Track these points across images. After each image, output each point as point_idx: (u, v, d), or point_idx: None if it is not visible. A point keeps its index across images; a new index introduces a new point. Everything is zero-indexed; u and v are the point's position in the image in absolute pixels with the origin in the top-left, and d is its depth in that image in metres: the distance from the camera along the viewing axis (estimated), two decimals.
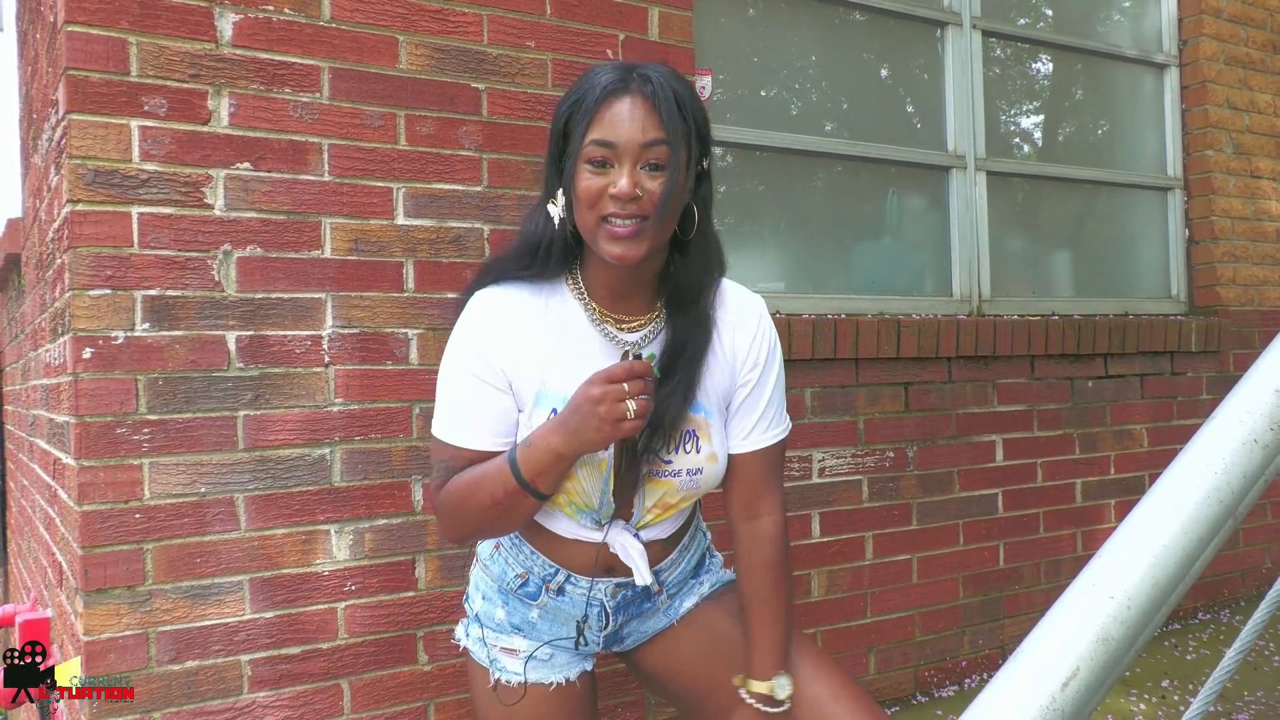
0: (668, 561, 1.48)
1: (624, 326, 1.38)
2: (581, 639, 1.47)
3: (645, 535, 1.42)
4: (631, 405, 1.19)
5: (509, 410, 1.34)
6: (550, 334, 1.35)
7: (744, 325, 1.41)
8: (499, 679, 1.46)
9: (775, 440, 1.44)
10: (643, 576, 1.38)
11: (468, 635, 1.53)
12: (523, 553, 1.45)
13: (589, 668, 1.53)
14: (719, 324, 1.40)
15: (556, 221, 1.32)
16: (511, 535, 1.47)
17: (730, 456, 1.42)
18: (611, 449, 1.33)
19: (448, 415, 1.36)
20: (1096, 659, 0.61)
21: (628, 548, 1.38)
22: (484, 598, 1.51)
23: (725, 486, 1.44)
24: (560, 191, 1.31)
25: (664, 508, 1.41)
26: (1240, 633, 0.77)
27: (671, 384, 1.33)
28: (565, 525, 1.41)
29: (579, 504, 1.37)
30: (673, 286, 1.37)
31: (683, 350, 1.35)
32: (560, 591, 1.45)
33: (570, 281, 1.38)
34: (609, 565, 1.42)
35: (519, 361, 1.33)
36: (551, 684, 1.47)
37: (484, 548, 1.53)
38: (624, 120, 1.24)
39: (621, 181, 1.23)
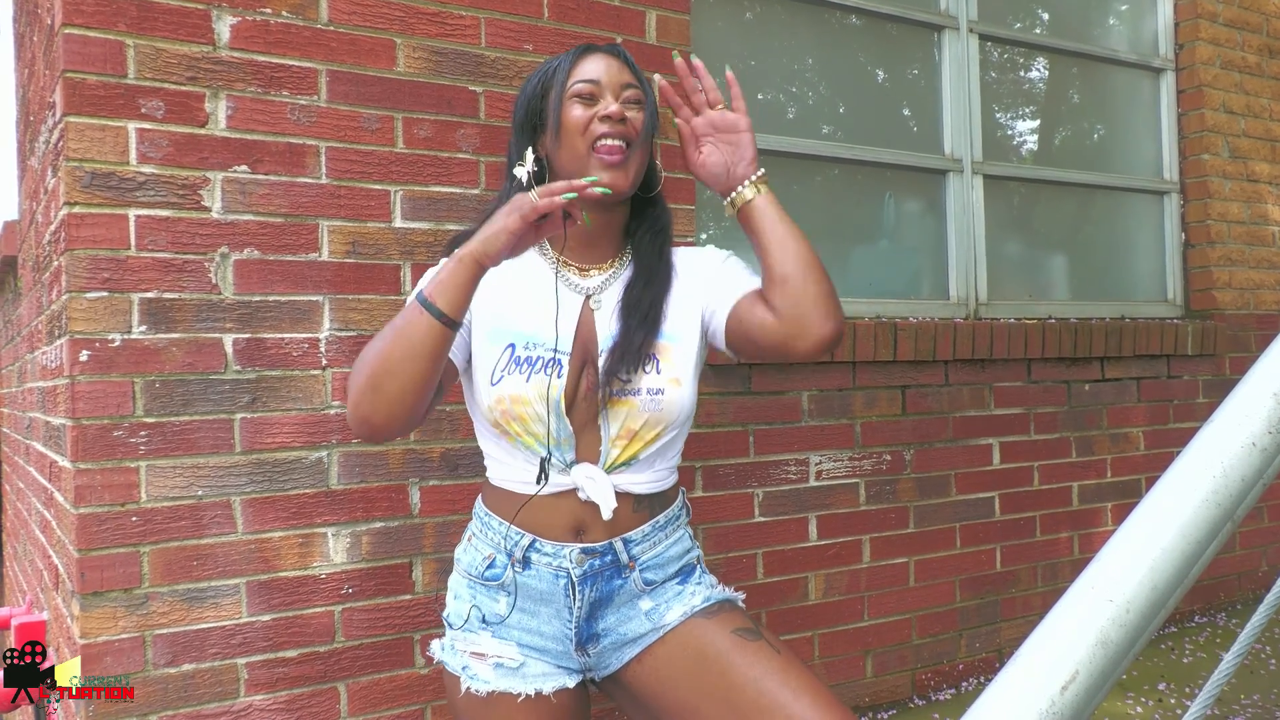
0: (639, 534, 1.43)
1: (586, 273, 1.47)
2: (555, 624, 1.42)
3: (615, 481, 1.40)
4: (534, 194, 1.23)
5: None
6: (512, 278, 1.44)
7: (698, 256, 1.53)
8: (468, 687, 1.40)
9: None
10: (606, 507, 1.37)
11: (442, 647, 1.48)
12: (490, 528, 1.44)
13: (570, 684, 1.42)
14: (677, 269, 1.50)
15: (525, 180, 1.41)
16: (482, 517, 1.46)
17: (747, 300, 1.41)
18: (565, 373, 1.37)
19: None
20: (1095, 662, 0.61)
21: (594, 478, 1.38)
22: (455, 597, 1.48)
23: (752, 319, 1.40)
24: (529, 151, 1.42)
25: (629, 436, 1.40)
26: (1238, 636, 0.77)
27: (633, 312, 1.42)
28: (532, 471, 1.40)
29: (535, 434, 1.37)
30: (639, 236, 1.50)
31: (648, 280, 1.45)
32: (526, 563, 1.40)
33: None
34: (577, 526, 1.40)
35: (479, 297, 1.42)
36: (520, 695, 1.38)
37: (458, 548, 1.51)
38: (603, 66, 1.41)
39: (612, 105, 1.37)
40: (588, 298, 1.45)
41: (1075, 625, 0.62)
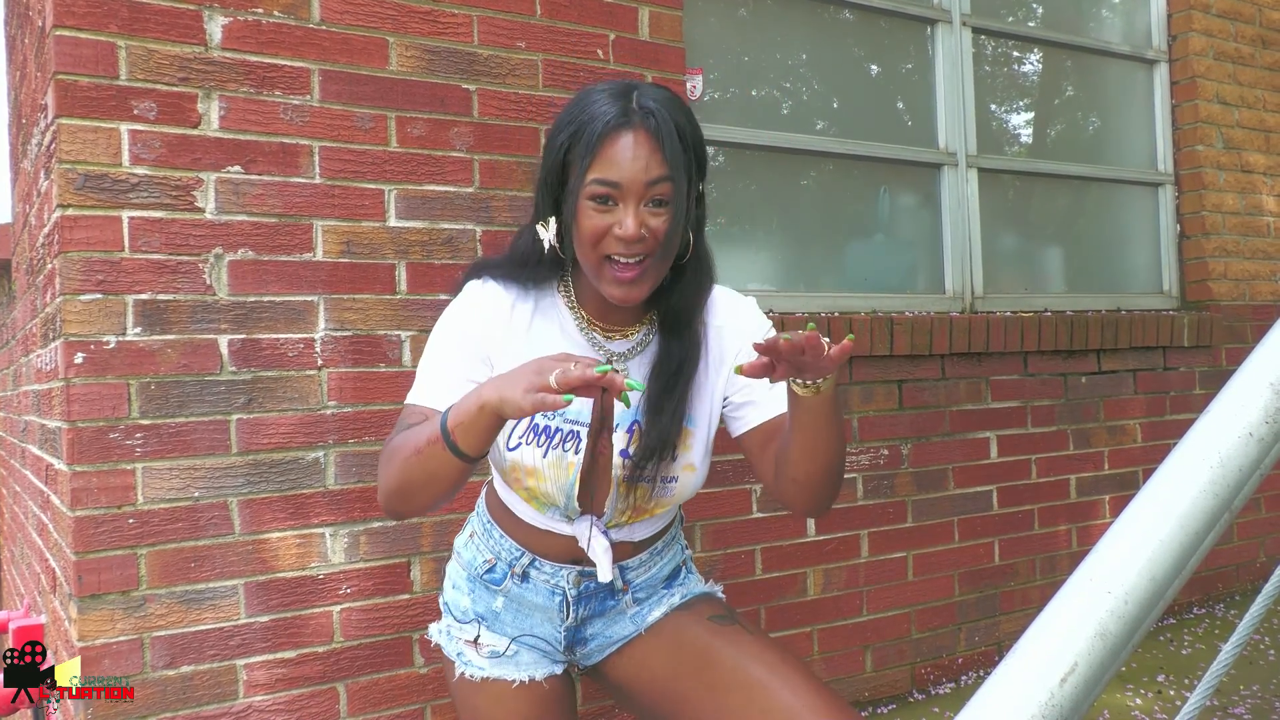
0: (635, 561, 1.47)
1: (612, 336, 1.39)
2: (545, 628, 1.45)
3: (616, 535, 1.41)
4: (554, 380, 1.07)
5: (477, 380, 1.32)
6: (538, 333, 1.36)
7: (734, 323, 1.42)
8: (463, 673, 1.46)
9: None
10: (604, 573, 1.37)
11: (440, 630, 1.53)
12: (493, 538, 1.46)
13: (558, 671, 1.48)
14: (708, 329, 1.41)
15: (546, 247, 1.33)
16: (485, 521, 1.48)
17: (765, 431, 1.37)
18: (582, 448, 1.32)
19: (419, 382, 1.35)
20: (1094, 654, 0.61)
21: (594, 544, 1.38)
22: (454, 586, 1.51)
23: (760, 457, 1.37)
24: (553, 219, 1.32)
25: (637, 511, 1.40)
26: (1236, 627, 0.77)
27: (663, 405, 1.34)
28: (536, 516, 1.42)
29: (544, 503, 1.39)
30: (666, 308, 1.38)
31: (675, 371, 1.35)
32: (525, 578, 1.44)
33: (561, 287, 1.40)
34: (576, 555, 1.42)
35: (503, 350, 1.34)
36: (514, 681, 1.44)
37: (460, 538, 1.54)
38: (628, 159, 1.23)
39: (628, 223, 1.23)
40: (610, 361, 1.37)
41: (1074, 617, 0.62)
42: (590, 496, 1.37)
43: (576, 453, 1.33)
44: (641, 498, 1.38)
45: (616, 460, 1.35)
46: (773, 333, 1.34)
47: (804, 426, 1.21)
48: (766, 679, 1.34)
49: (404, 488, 1.23)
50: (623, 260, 1.25)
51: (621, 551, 1.44)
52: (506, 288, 1.37)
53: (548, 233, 1.32)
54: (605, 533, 1.39)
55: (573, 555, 1.43)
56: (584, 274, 1.36)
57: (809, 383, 1.15)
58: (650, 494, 1.38)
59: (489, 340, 1.34)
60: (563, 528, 1.41)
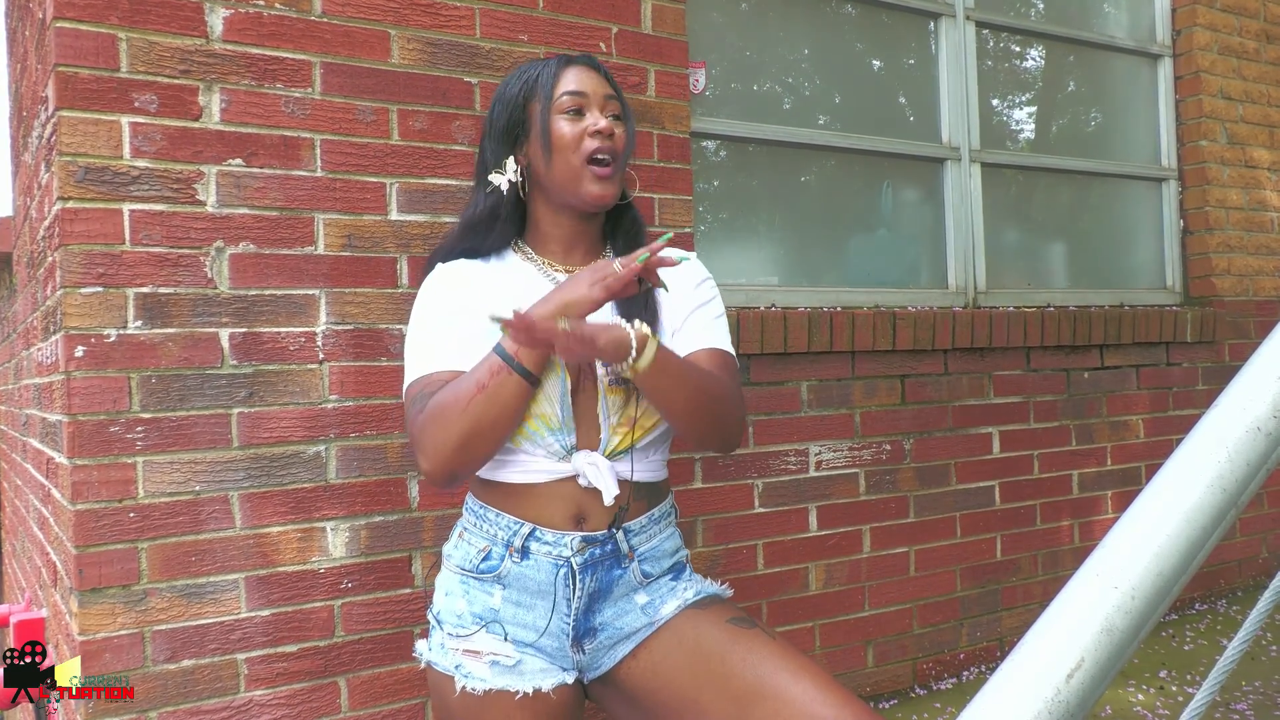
0: (637, 524, 1.44)
1: (571, 274, 1.47)
2: (552, 619, 1.40)
3: (615, 467, 1.41)
4: (618, 265, 1.29)
5: (473, 338, 1.40)
6: (502, 284, 1.47)
7: (681, 266, 1.57)
8: (464, 686, 1.38)
9: (729, 349, 1.51)
10: (609, 490, 1.37)
11: (430, 647, 1.46)
12: (487, 521, 1.43)
13: (568, 680, 1.41)
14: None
15: (506, 187, 1.48)
16: (476, 510, 1.45)
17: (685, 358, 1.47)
18: (561, 362, 1.39)
19: (416, 358, 1.43)
20: (1101, 650, 0.60)
21: (596, 464, 1.39)
22: (446, 594, 1.46)
23: None
24: (510, 159, 1.48)
25: (630, 424, 1.41)
26: (1242, 623, 0.77)
27: (632, 312, 1.44)
28: (530, 465, 1.40)
29: (541, 417, 1.38)
30: (622, 241, 1.55)
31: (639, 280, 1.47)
32: (524, 554, 1.39)
33: (515, 249, 1.53)
34: (577, 514, 1.40)
35: (476, 303, 1.43)
36: (518, 693, 1.36)
37: (447, 545, 1.50)
38: (586, 78, 1.47)
39: (600, 120, 1.43)
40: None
41: (1080, 613, 0.62)
42: (577, 408, 1.41)
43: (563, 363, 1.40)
44: (632, 404, 1.41)
45: (601, 372, 1.41)
46: (709, 283, 1.56)
47: (648, 394, 1.35)
48: (790, 687, 1.30)
49: (472, 434, 1.30)
50: (601, 158, 1.42)
51: (621, 500, 1.41)
52: (463, 261, 1.51)
53: (506, 174, 1.48)
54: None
55: (575, 514, 1.40)
56: (542, 224, 1.51)
57: (617, 368, 1.30)
58: (640, 397, 1.42)
59: (460, 299, 1.44)
60: (561, 469, 1.39)
